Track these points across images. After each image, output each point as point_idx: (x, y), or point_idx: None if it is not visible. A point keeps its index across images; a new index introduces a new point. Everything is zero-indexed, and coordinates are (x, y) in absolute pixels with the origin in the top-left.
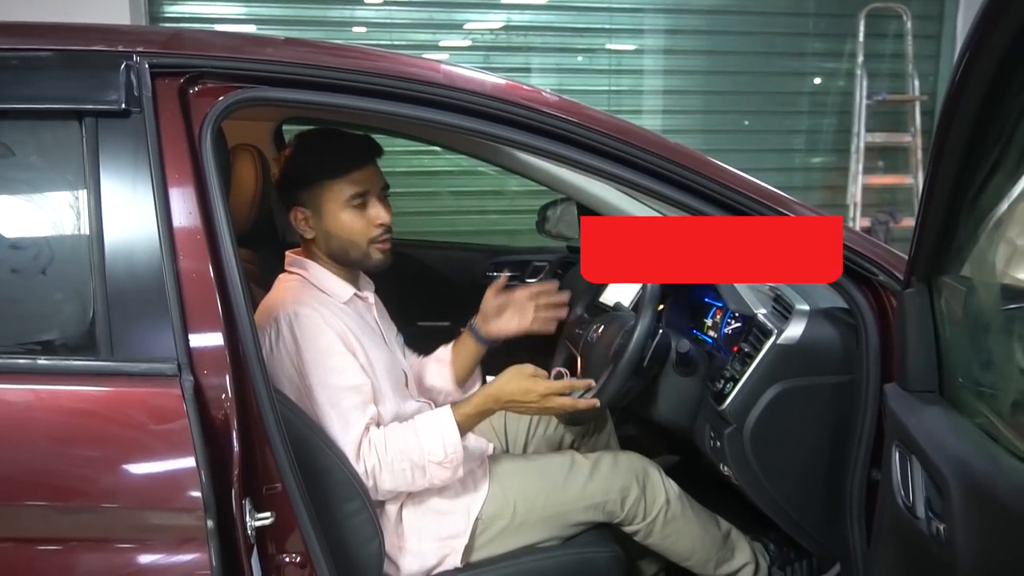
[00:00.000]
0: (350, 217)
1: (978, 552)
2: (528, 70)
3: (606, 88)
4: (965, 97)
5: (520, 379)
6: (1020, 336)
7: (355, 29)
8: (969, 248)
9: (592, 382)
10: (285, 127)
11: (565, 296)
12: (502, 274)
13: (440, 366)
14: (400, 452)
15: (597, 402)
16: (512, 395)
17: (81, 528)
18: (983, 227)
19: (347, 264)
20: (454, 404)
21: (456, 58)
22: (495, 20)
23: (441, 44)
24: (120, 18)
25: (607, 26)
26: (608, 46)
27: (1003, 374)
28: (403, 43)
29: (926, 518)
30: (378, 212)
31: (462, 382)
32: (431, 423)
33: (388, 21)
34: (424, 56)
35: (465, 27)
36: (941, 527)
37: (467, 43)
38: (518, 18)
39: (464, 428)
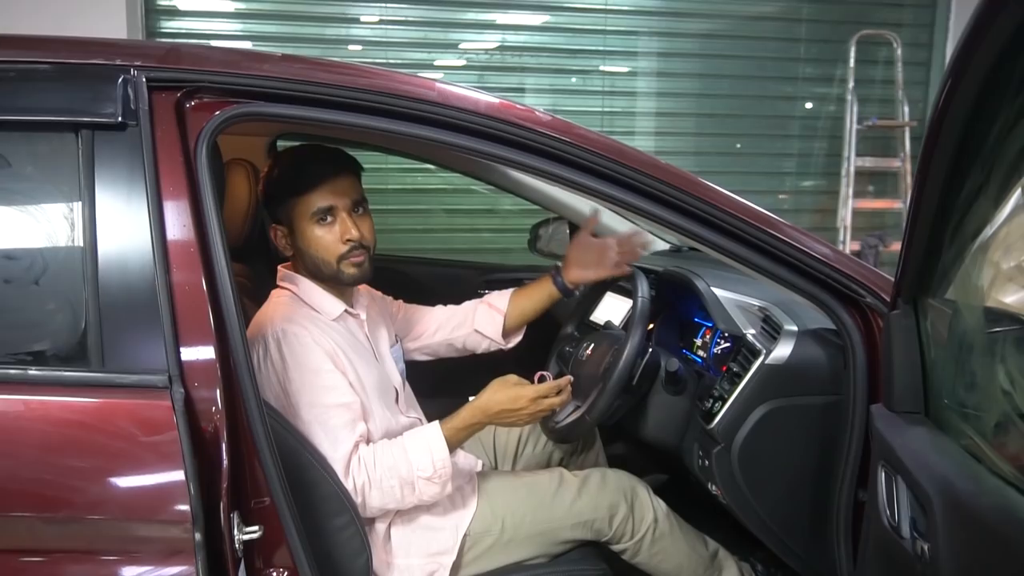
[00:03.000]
0: (319, 233)
1: (961, 570)
2: (522, 90)
3: (599, 109)
4: (947, 123)
5: (506, 388)
6: (1002, 358)
7: (351, 48)
8: (954, 271)
9: (568, 379)
10: (280, 142)
11: (648, 237)
12: (592, 217)
13: (492, 313)
14: (389, 469)
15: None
16: (501, 405)
17: (69, 539)
18: (967, 250)
19: (324, 281)
20: (442, 420)
21: (451, 78)
22: (490, 40)
23: (436, 64)
24: (118, 33)
25: (601, 48)
26: (601, 68)
27: (986, 395)
28: (399, 62)
29: (911, 537)
30: (345, 228)
31: (512, 331)
32: (419, 439)
33: (384, 40)
34: (419, 75)
35: (460, 47)
36: (925, 546)
37: (462, 63)
38: (513, 39)
39: (452, 443)
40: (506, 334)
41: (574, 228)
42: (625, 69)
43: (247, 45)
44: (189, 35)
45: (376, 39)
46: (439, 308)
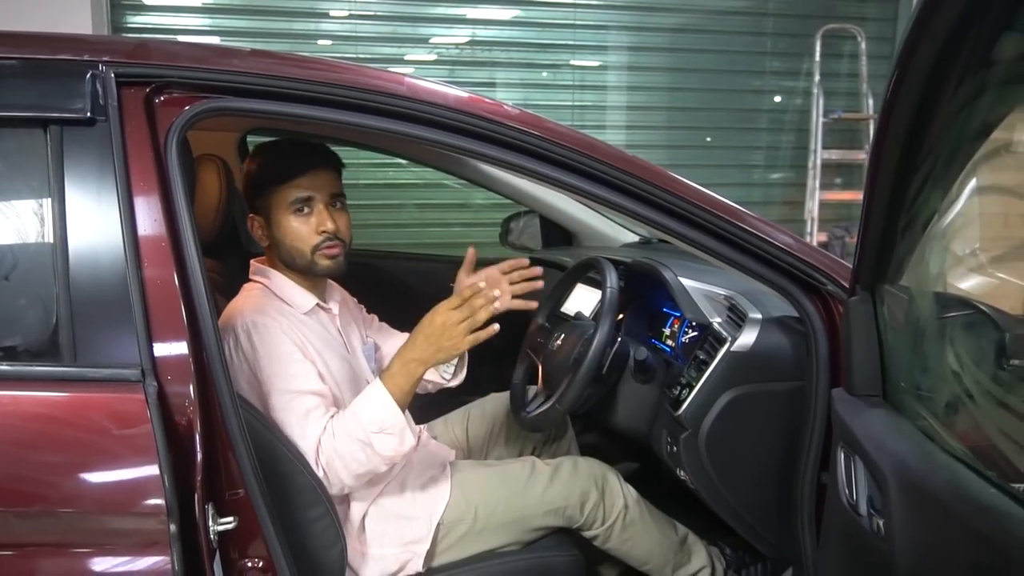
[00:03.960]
0: (295, 223)
1: (914, 544)
2: (493, 85)
3: (570, 103)
4: (896, 115)
5: (429, 322)
6: (952, 341)
7: (320, 42)
8: (908, 258)
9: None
10: (249, 138)
11: (538, 270)
12: (470, 248)
13: None
14: (345, 435)
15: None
16: (423, 331)
17: (43, 533)
18: (920, 238)
19: (298, 271)
20: (381, 373)
21: (421, 72)
22: (460, 35)
23: (406, 58)
24: (83, 29)
25: (571, 42)
26: (572, 62)
27: (938, 377)
28: (368, 56)
29: (868, 515)
30: (321, 219)
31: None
32: (363, 398)
33: (353, 35)
34: (389, 70)
35: (430, 42)
36: (881, 522)
37: (432, 57)
38: (483, 33)
39: (396, 392)
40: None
41: (544, 221)
42: (595, 63)
43: (215, 40)
44: (155, 30)
45: (345, 34)
46: (395, 340)
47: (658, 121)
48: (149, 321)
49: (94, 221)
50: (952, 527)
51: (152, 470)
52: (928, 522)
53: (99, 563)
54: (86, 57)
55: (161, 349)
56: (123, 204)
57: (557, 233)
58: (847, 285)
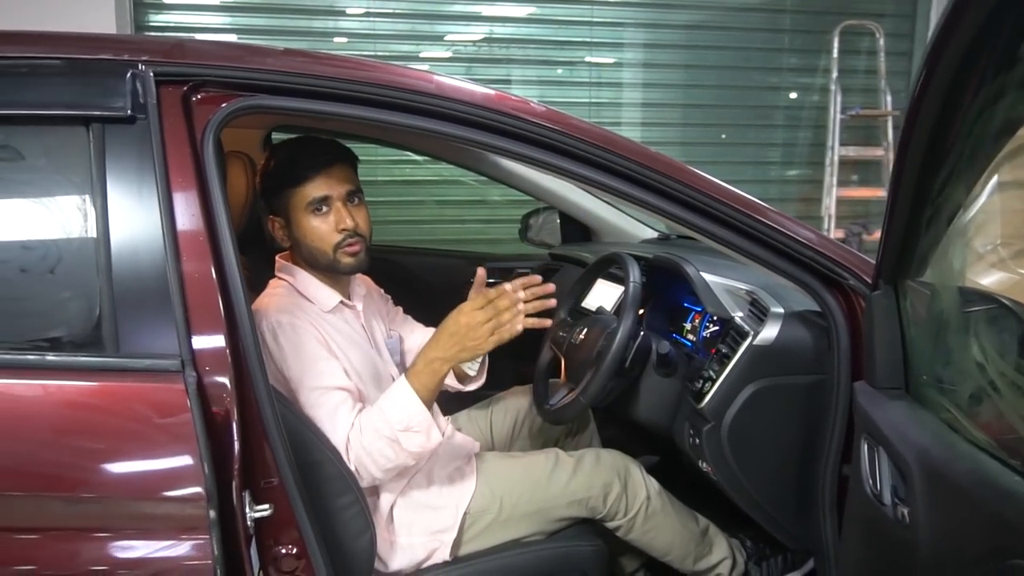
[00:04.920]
0: (314, 223)
1: (938, 530)
2: (510, 82)
3: (587, 100)
4: (923, 113)
5: (454, 321)
6: (976, 334)
7: (338, 40)
8: (931, 253)
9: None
10: (275, 135)
11: (550, 287)
12: (479, 268)
13: None
14: (373, 432)
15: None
16: (447, 330)
17: (86, 518)
18: (943, 234)
19: (321, 270)
20: (406, 372)
21: (439, 70)
22: (477, 32)
23: (424, 56)
24: (107, 28)
25: (588, 39)
26: (589, 59)
27: (961, 370)
28: (386, 54)
29: (892, 504)
30: (340, 217)
31: (461, 379)
32: (390, 396)
33: (372, 32)
34: (410, 67)
35: (448, 39)
36: (905, 510)
37: (450, 55)
38: (500, 31)
39: (421, 390)
40: (460, 379)
41: (563, 217)
42: (612, 60)
43: (233, 38)
44: (177, 28)
45: (363, 31)
46: (420, 333)
47: (674, 118)
48: (188, 314)
49: (135, 216)
50: (975, 513)
51: (192, 458)
52: (951, 509)
53: (141, 547)
54: (126, 57)
55: (200, 341)
56: (162, 199)
57: (575, 229)
58: (868, 280)
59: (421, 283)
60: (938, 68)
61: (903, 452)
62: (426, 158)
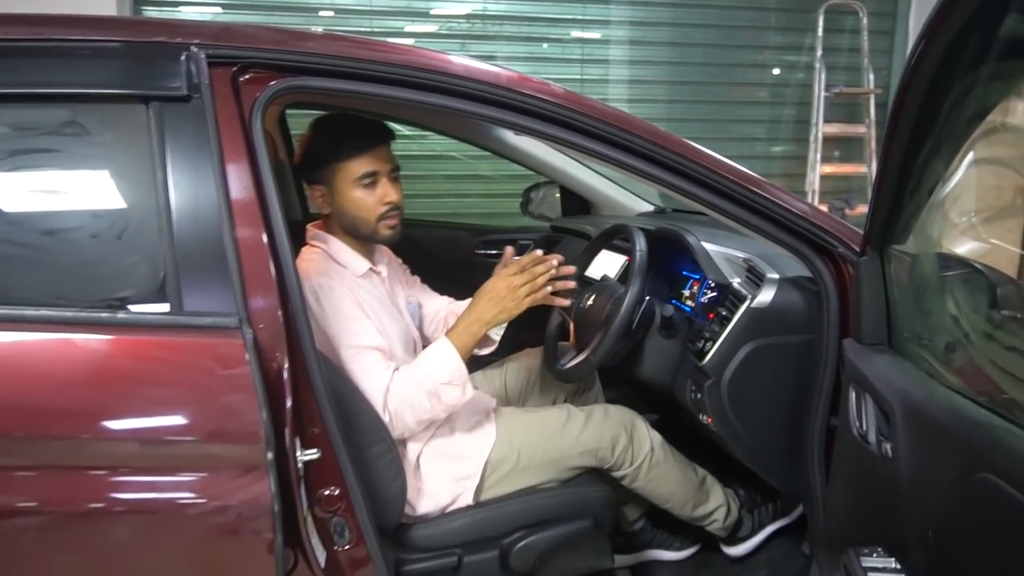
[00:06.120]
0: (360, 195)
1: (917, 459)
2: (504, 58)
3: (579, 77)
4: (910, 95)
5: (493, 286)
6: (951, 293)
7: (335, 16)
8: (913, 223)
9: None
10: (288, 111)
11: (571, 269)
12: (508, 247)
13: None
14: (414, 386)
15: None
16: (493, 300)
17: (160, 459)
18: (924, 206)
19: (359, 238)
20: (447, 332)
21: (433, 46)
22: (472, 8)
23: (419, 32)
24: (107, 10)
25: (580, 17)
26: (580, 36)
27: (938, 325)
28: (382, 31)
29: (876, 442)
30: (386, 191)
31: (479, 344)
32: (431, 352)
33: (367, 8)
34: (397, 43)
35: (442, 15)
36: (888, 446)
37: (444, 31)
38: (494, 7)
39: (460, 348)
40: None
41: (564, 191)
42: (600, 37)
43: (233, 13)
44: (174, 2)
45: (359, 7)
46: (436, 301)
47: (662, 95)
48: (243, 276)
49: (192, 187)
50: (949, 442)
51: (252, 405)
52: (929, 440)
53: (210, 484)
54: (179, 40)
55: (254, 301)
56: (217, 171)
57: (575, 202)
58: (855, 248)
59: (426, 253)
60: (927, 54)
61: (887, 396)
62: (430, 135)
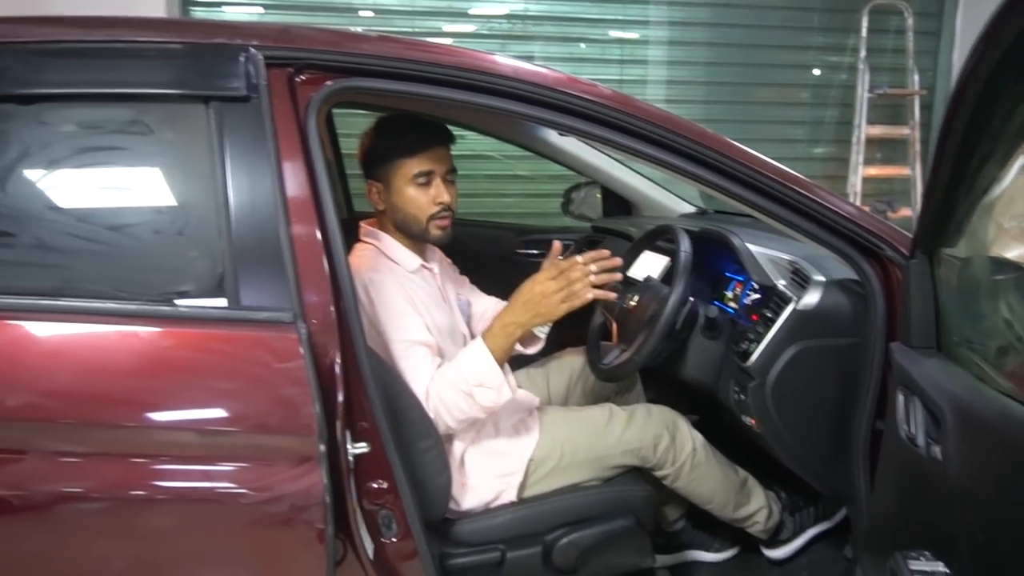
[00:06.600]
0: (414, 193)
1: (967, 463)
2: (540, 58)
3: (617, 78)
4: (965, 98)
5: (529, 290)
6: (1004, 297)
7: (374, 16)
8: (964, 227)
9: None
10: (335, 110)
11: (618, 261)
12: (555, 241)
13: None
14: (450, 386)
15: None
16: (528, 303)
17: (215, 448)
18: (975, 209)
19: (411, 236)
20: (483, 333)
21: (473, 46)
22: (512, 9)
23: (460, 32)
24: (156, 11)
25: (619, 17)
26: (620, 36)
27: (990, 329)
28: (423, 31)
29: (925, 445)
30: (439, 192)
31: (524, 343)
32: (467, 354)
33: (408, 9)
34: (441, 43)
35: (483, 16)
36: (937, 449)
37: (485, 32)
38: (535, 8)
39: (496, 351)
40: (524, 343)
41: (605, 192)
42: (641, 37)
43: (275, 13)
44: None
45: (400, 8)
46: (484, 300)
47: (701, 96)
48: (298, 272)
49: (250, 184)
50: (1000, 445)
51: (305, 398)
52: (980, 443)
53: (263, 474)
54: (238, 41)
55: (308, 297)
56: (274, 170)
57: (616, 203)
58: (902, 250)
59: (468, 251)
60: (984, 57)
61: (937, 399)
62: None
